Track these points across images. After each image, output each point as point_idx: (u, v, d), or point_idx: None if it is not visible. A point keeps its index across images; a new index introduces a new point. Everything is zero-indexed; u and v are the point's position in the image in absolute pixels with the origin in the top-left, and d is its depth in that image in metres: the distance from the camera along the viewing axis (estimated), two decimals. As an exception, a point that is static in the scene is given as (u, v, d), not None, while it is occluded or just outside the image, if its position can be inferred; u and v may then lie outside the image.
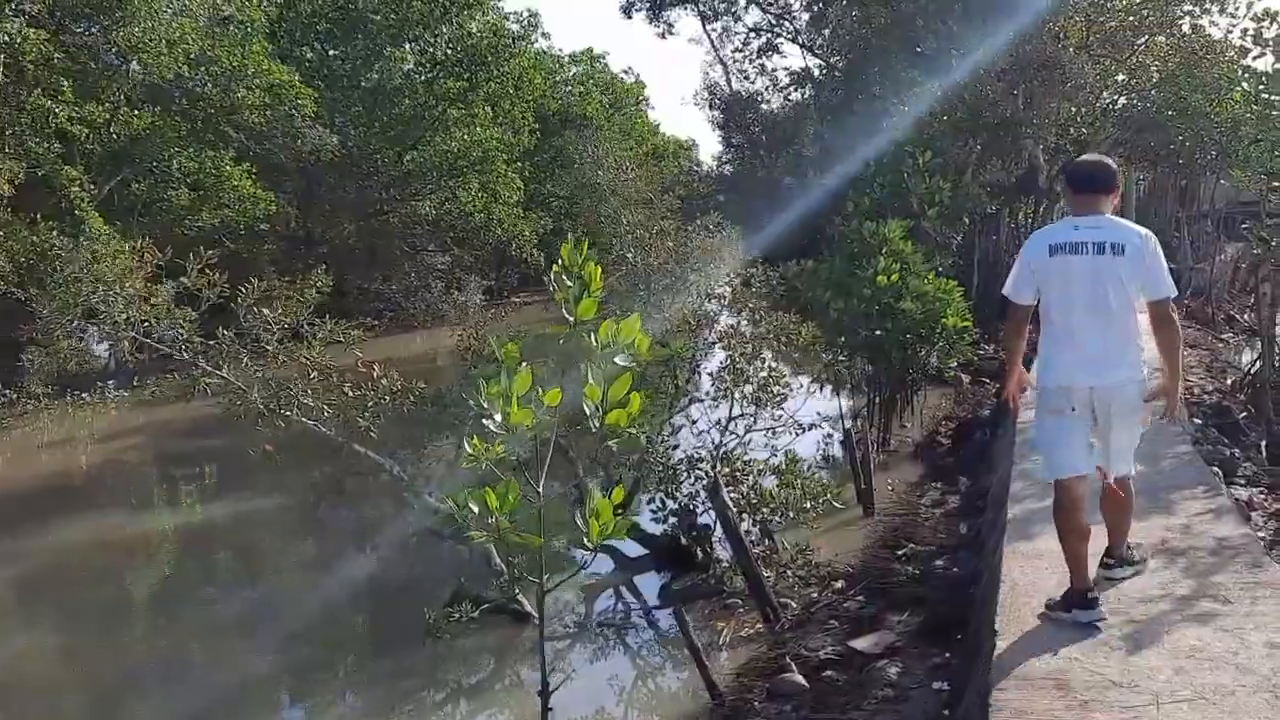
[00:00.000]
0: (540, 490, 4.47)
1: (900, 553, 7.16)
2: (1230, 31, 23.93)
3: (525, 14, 40.39)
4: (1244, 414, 10.92)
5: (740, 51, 25.54)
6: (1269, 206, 9.60)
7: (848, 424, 10.93)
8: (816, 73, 26.15)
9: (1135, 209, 30.37)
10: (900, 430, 13.64)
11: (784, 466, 8.39)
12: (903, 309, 11.76)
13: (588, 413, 4.23)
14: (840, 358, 12.35)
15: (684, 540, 8.47)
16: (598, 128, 47.59)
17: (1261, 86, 9.17)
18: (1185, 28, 24.11)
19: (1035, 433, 4.79)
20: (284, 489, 10.40)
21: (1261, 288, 10.60)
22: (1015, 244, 19.10)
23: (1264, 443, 9.75)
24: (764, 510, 8.01)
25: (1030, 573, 4.94)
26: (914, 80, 16.35)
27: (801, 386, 10.84)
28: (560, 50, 48.12)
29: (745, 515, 8.07)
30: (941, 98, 16.51)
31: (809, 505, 7.97)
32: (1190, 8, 21.66)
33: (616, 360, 4.36)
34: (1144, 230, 4.47)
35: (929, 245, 15.11)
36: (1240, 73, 10.00)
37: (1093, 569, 4.49)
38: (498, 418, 4.13)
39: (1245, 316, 20.37)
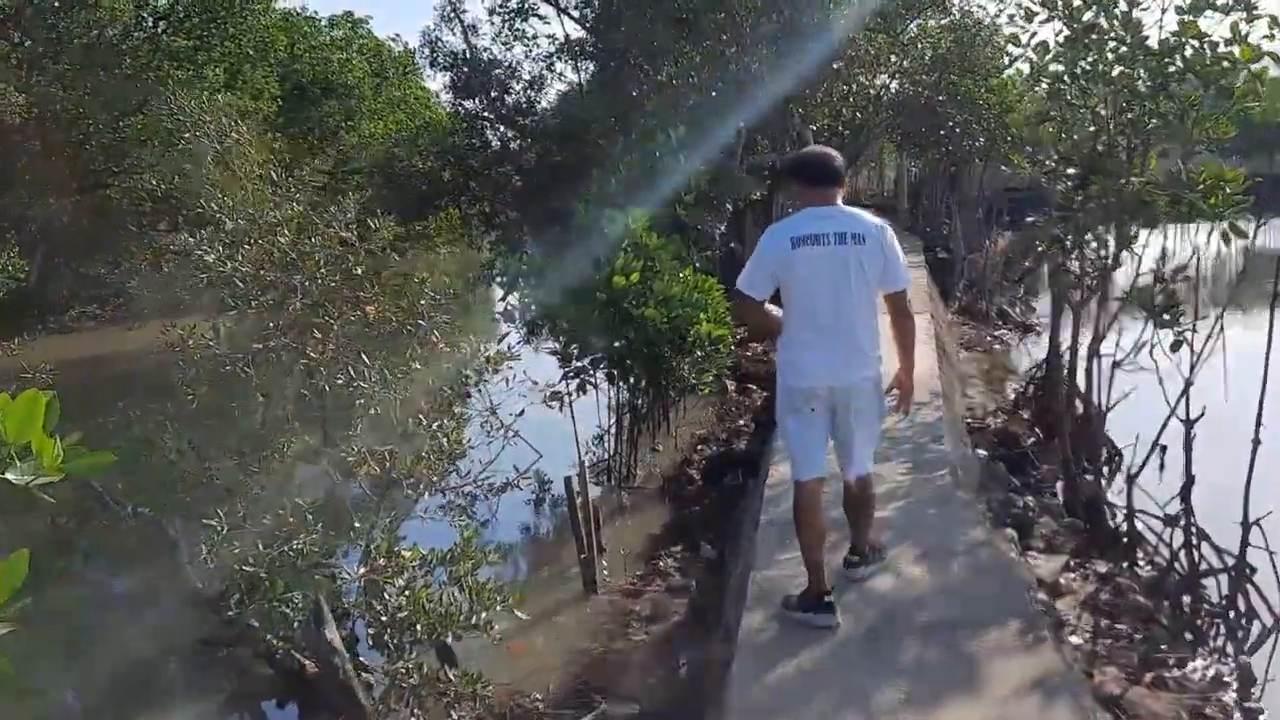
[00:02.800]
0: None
1: (590, 716, 4.91)
2: (999, 16, 23.40)
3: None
4: (1032, 440, 9.41)
5: (497, 14, 22.82)
6: (1056, 198, 7.99)
7: (574, 468, 8.64)
8: (590, 47, 23.90)
9: (908, 196, 29.89)
10: (653, 454, 11.57)
11: (456, 553, 5.99)
12: (645, 315, 9.62)
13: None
14: (574, 374, 10.13)
15: (310, 667, 5.96)
16: (361, 98, 44.04)
17: (1057, 56, 7.64)
18: (955, 9, 23.47)
19: (780, 433, 4.90)
20: None
21: (1056, 292, 9.06)
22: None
23: (1060, 483, 8.15)
24: (418, 628, 5.62)
25: None
26: (671, 47, 14.31)
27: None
28: (316, 13, 44.16)
29: (390, 636, 5.66)
30: (703, 68, 14.54)
31: (484, 618, 5.62)
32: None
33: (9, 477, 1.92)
34: (879, 220, 4.49)
35: (688, 237, 13.09)
36: (1021, 47, 8.38)
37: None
38: None
39: (1017, 310, 19.64)
